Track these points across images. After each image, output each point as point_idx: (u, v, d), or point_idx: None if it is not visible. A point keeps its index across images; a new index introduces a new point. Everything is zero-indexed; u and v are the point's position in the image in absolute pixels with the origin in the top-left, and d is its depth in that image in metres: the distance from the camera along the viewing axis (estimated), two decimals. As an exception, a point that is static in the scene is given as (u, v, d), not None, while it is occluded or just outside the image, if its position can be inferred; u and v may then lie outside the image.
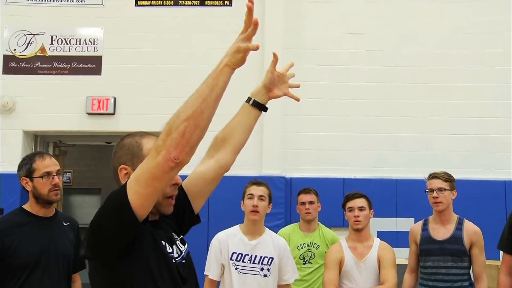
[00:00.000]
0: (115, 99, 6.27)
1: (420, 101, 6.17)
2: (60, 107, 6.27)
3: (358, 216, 3.20)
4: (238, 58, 1.47)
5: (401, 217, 5.93)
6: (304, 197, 4.05)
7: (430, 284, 3.26)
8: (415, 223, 5.99)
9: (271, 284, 3.10)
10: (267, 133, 5.91)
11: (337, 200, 5.30)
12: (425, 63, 6.19)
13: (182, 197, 1.73)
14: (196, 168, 1.86)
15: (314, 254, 3.95)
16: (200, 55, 6.22)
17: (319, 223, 4.17)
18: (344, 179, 6.01)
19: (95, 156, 13.34)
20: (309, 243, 3.99)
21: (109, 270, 1.46)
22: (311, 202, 4.04)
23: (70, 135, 6.63)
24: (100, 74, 6.37)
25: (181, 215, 1.76)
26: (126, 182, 1.41)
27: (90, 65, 6.42)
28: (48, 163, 2.69)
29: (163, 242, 1.57)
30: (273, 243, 3.18)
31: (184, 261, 1.63)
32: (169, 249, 1.58)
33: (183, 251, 1.66)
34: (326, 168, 6.09)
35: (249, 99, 1.89)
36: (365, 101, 6.19)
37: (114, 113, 6.27)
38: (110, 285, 1.47)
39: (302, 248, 3.96)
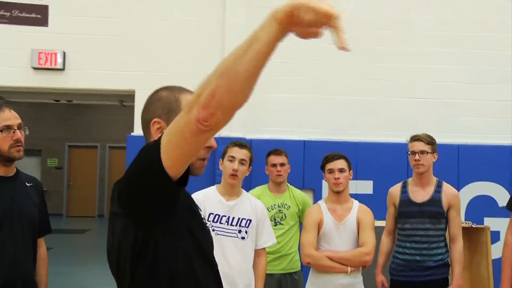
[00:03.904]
0: (64, 53, 5.82)
1: (385, 64, 6.16)
2: (1, 59, 5.75)
3: (338, 179, 3.12)
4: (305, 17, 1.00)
5: (360, 180, 5.98)
6: (275, 159, 3.94)
7: (407, 246, 3.27)
8: (373, 186, 6.22)
9: (249, 247, 3.00)
10: (228, 93, 5.72)
11: (297, 162, 5.26)
12: (391, 27, 6.16)
13: None
14: None
15: (285, 215, 3.87)
16: (159, 10, 5.86)
17: (288, 184, 4.09)
18: (304, 141, 5.97)
19: (36, 116, 12.65)
20: (279, 204, 3.90)
21: (141, 230, 1.32)
22: (282, 164, 3.93)
23: (13, 91, 6.14)
24: (47, 26, 5.87)
25: None
26: (160, 138, 1.23)
27: (35, 15, 5.89)
28: (8, 116, 2.41)
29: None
30: (251, 205, 3.08)
31: None
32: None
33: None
34: (288, 130, 6.01)
35: None
36: (330, 63, 6.10)
37: (63, 69, 5.83)
38: (139, 248, 1.32)
39: (272, 210, 3.87)
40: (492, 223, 5.82)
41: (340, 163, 3.15)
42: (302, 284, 3.82)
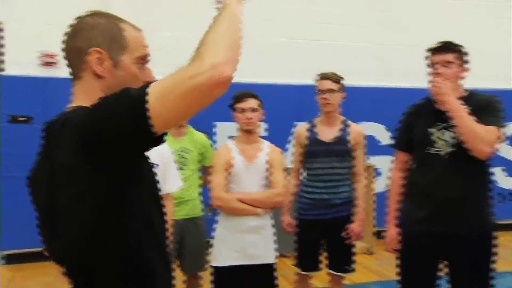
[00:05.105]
0: None
1: (283, 5, 6.13)
2: None
3: (250, 118, 2.98)
4: None
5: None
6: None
7: (316, 185, 3.27)
8: (268, 129, 6.21)
9: (156, 194, 2.78)
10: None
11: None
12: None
13: None
14: None
15: (187, 160, 3.67)
16: None
17: (188, 127, 3.87)
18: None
19: None
20: (180, 149, 3.68)
21: (108, 181, 1.15)
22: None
23: None
24: None
25: None
26: (146, 87, 1.09)
27: None
28: None
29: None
30: (156, 148, 2.83)
31: None
32: None
33: None
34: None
35: None
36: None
37: None
38: (102, 209, 1.17)
39: (173, 154, 3.64)
40: (375, 161, 6.23)
41: (252, 103, 3.01)
42: (204, 229, 3.72)
